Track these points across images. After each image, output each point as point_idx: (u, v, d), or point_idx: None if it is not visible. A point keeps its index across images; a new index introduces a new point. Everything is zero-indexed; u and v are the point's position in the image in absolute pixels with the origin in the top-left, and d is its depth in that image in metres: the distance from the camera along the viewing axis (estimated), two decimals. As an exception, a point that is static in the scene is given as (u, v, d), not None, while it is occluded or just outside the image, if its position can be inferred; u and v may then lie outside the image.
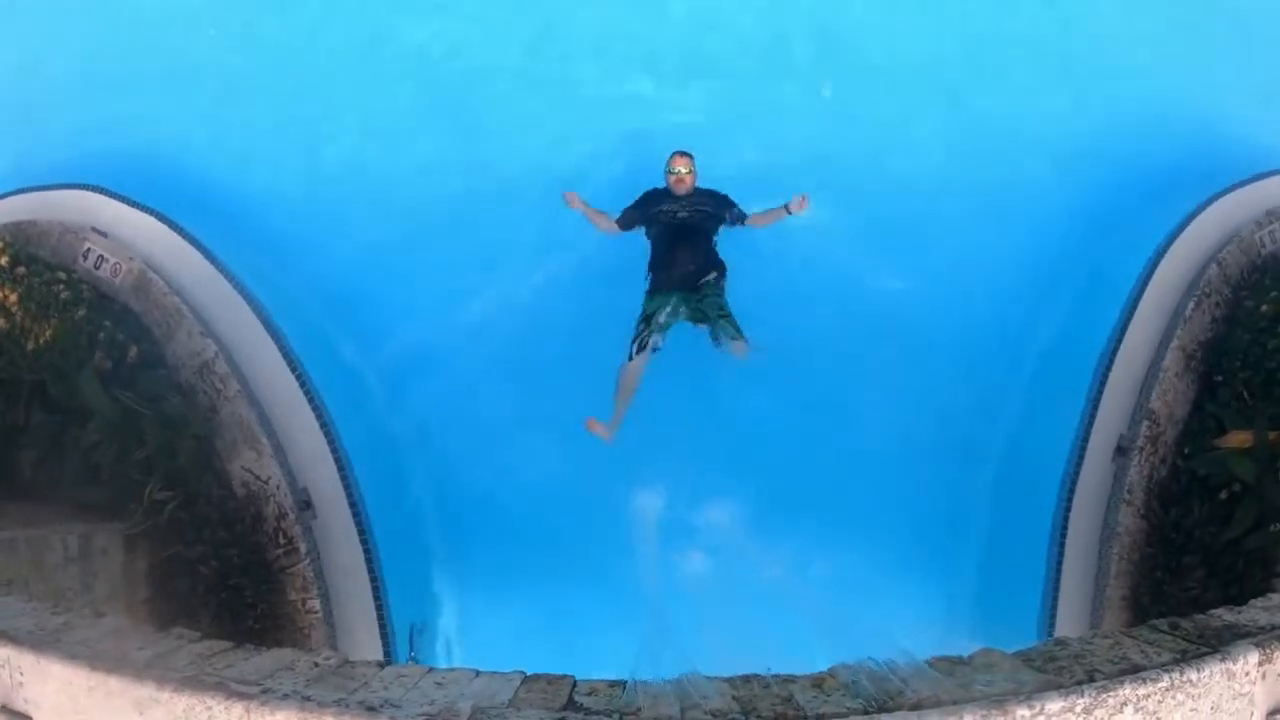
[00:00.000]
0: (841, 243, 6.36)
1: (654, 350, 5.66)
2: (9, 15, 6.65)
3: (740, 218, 6.00)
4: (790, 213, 5.89)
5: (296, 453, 5.36)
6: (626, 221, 6.04)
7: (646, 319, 5.71)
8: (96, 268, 5.46)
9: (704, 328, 5.85)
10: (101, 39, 6.54)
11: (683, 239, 5.85)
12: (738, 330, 5.67)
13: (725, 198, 6.05)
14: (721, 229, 6.02)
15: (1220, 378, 5.16)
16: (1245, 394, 4.99)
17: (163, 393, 5.07)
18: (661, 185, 6.04)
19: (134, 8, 6.62)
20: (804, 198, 5.84)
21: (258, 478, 5.15)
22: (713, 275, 5.81)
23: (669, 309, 5.71)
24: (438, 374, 6.24)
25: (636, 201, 6.07)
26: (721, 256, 5.94)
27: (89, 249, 5.48)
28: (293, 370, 5.49)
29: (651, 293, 5.84)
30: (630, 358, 5.63)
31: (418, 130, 6.53)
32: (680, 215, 5.91)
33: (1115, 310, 5.68)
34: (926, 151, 6.48)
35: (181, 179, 6.16)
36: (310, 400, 5.46)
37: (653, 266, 5.93)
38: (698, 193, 6.00)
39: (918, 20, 6.76)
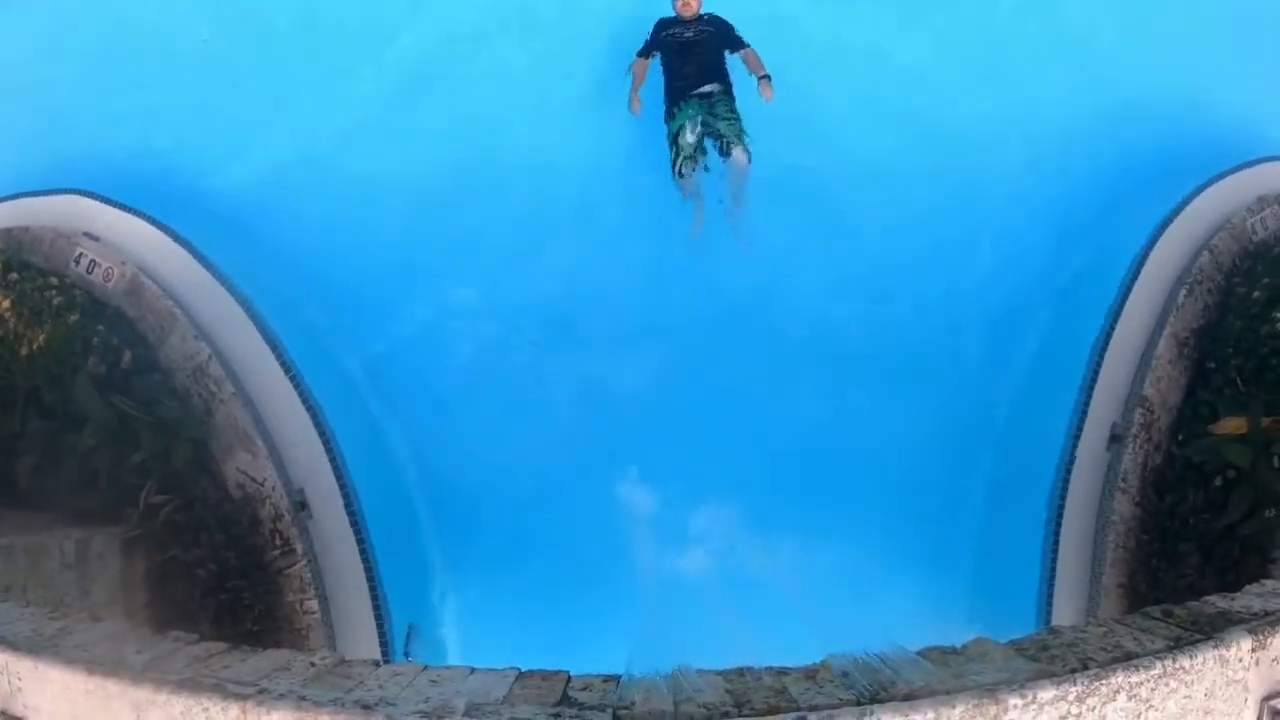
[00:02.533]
0: (834, 233, 6.36)
1: (704, 167, 6.23)
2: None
3: (740, 44, 6.44)
4: (760, 86, 6.23)
5: (292, 454, 5.36)
6: (646, 51, 6.50)
7: (673, 141, 6.24)
8: (89, 272, 5.45)
9: (716, 141, 6.27)
10: (92, 43, 6.53)
11: (689, 55, 6.38)
12: (743, 134, 6.18)
13: (728, 23, 6.50)
14: (725, 53, 6.45)
15: (1213, 364, 5.17)
16: (1238, 380, 5.00)
17: (157, 397, 5.07)
18: (669, 14, 6.54)
19: (125, 12, 6.59)
20: (769, 90, 6.20)
21: (253, 480, 5.15)
22: (718, 85, 6.33)
23: (688, 124, 6.18)
24: (433, 373, 6.25)
25: (649, 33, 6.51)
26: (728, 72, 6.40)
27: (81, 254, 5.47)
28: (287, 372, 5.49)
29: (671, 111, 6.33)
30: (679, 181, 6.25)
31: (410, 129, 6.52)
32: (686, 35, 6.43)
33: (1108, 298, 5.68)
34: (919, 140, 6.48)
35: (173, 182, 6.15)
36: (305, 401, 5.46)
37: (667, 90, 6.42)
38: (702, 17, 6.51)
39: (915, 7, 6.76)
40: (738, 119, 6.24)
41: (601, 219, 6.43)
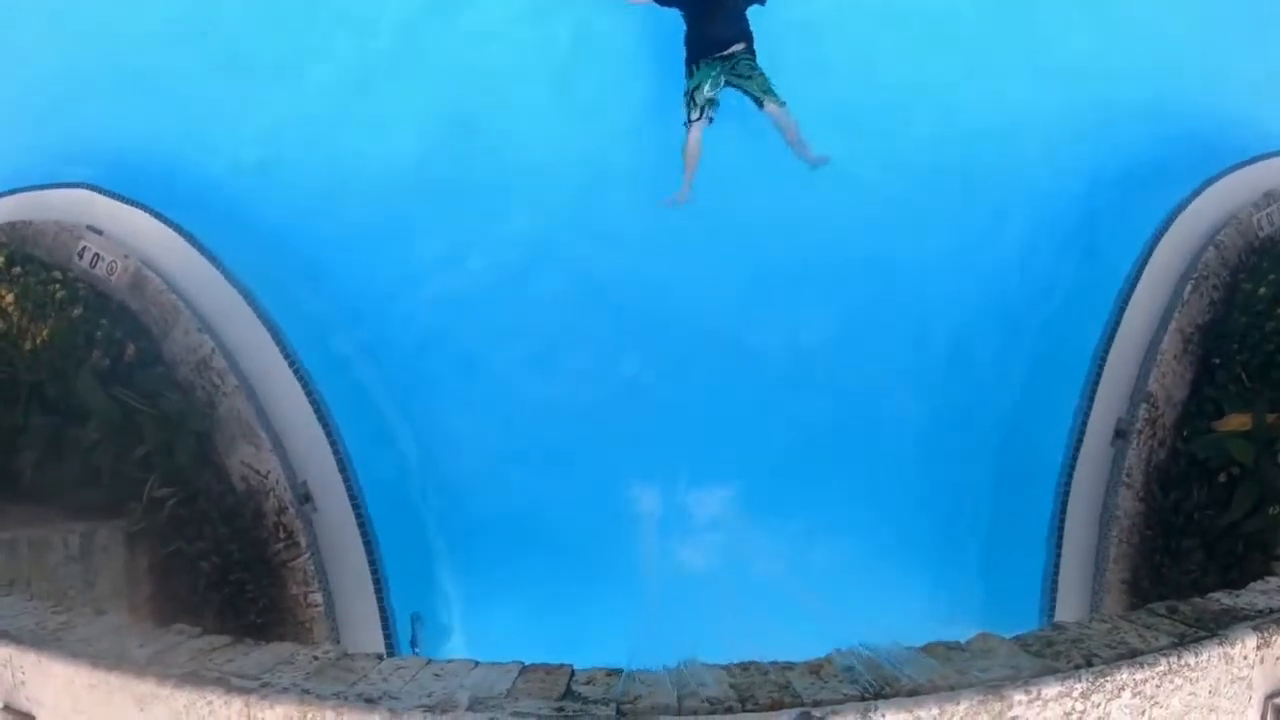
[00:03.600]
0: (837, 228, 6.35)
1: (709, 122, 6.28)
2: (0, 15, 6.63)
3: None
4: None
5: (295, 446, 5.36)
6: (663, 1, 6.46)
7: (691, 95, 6.26)
8: (92, 266, 5.45)
9: (745, 96, 6.33)
10: (93, 37, 6.52)
11: (711, 12, 6.34)
12: (770, 88, 6.23)
13: None
14: (747, 7, 6.43)
15: (1218, 360, 5.16)
16: (1243, 377, 4.99)
17: (161, 390, 5.07)
18: None
19: (127, 5, 6.59)
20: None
21: (257, 472, 5.15)
22: (741, 45, 6.32)
23: (709, 82, 6.23)
24: (436, 364, 6.25)
25: None
26: (750, 28, 6.40)
27: (84, 247, 5.47)
28: (290, 364, 5.49)
29: (690, 68, 6.34)
30: (688, 131, 6.27)
31: (411, 118, 6.51)
32: None
33: (1113, 293, 5.67)
34: (923, 135, 6.46)
35: (176, 175, 6.16)
36: (308, 393, 5.46)
37: (687, 43, 6.40)
38: None
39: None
40: (762, 74, 6.28)
41: (607, 208, 6.41)
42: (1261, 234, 5.59)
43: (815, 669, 2.47)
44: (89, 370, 4.92)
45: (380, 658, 2.68)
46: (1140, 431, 5.14)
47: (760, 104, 6.26)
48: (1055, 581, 5.36)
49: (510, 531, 5.98)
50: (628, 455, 5.87)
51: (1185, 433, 5.11)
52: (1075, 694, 2.29)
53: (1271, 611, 2.64)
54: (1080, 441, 5.42)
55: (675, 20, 6.50)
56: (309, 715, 2.32)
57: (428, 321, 6.27)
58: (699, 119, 6.23)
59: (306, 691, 2.39)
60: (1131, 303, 5.50)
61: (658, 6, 6.44)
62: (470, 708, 2.31)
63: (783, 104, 6.21)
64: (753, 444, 5.97)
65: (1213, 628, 2.54)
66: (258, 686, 2.41)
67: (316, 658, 2.65)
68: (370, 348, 6.23)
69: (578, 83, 6.60)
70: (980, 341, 6.20)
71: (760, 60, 6.32)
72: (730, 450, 5.93)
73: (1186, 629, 2.56)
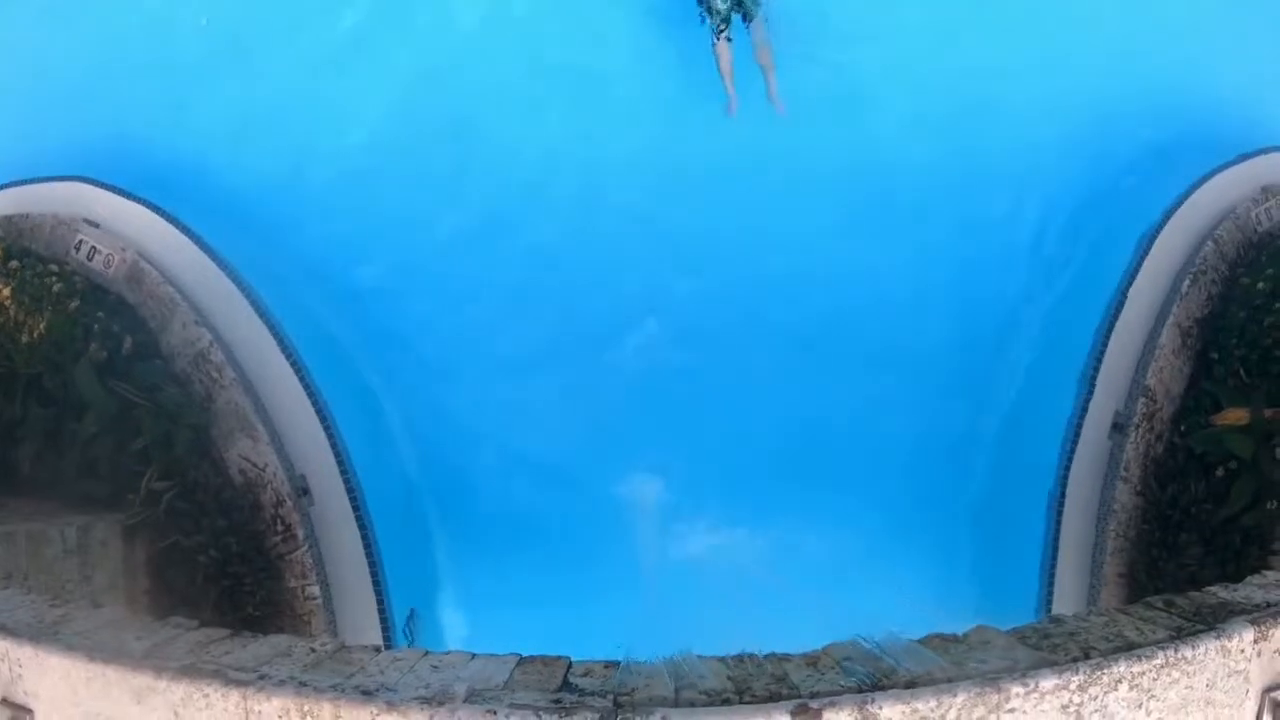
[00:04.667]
0: (837, 221, 6.35)
1: (729, 41, 6.62)
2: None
3: None
4: None
5: (293, 439, 5.37)
6: None
7: (708, 8, 6.63)
8: (89, 259, 5.44)
9: (739, 16, 6.65)
10: (93, 30, 6.50)
11: None
12: (758, 6, 6.57)
13: None
14: None
15: (1216, 355, 5.16)
16: (1241, 371, 4.99)
17: (158, 383, 5.07)
18: None
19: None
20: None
21: (255, 465, 5.15)
22: None
23: None
24: (434, 358, 6.25)
25: None
26: None
27: (81, 240, 5.46)
28: (288, 357, 5.50)
29: None
30: (715, 44, 6.63)
31: (409, 111, 6.49)
32: None
33: (1112, 287, 5.67)
34: (923, 130, 6.45)
35: (173, 169, 6.14)
36: (306, 387, 5.47)
37: None
38: None
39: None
40: None
41: (608, 201, 6.40)
42: (1260, 229, 5.59)
43: (812, 661, 2.47)
44: (87, 363, 4.92)
45: (378, 650, 2.68)
46: (1138, 425, 5.15)
47: (748, 20, 6.57)
48: (1053, 574, 5.38)
49: (508, 523, 5.99)
50: (626, 449, 5.88)
51: (1183, 427, 5.12)
52: (1072, 686, 2.29)
53: (1269, 605, 2.65)
54: (1078, 435, 5.43)
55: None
56: (306, 707, 2.32)
57: (426, 314, 6.27)
58: (723, 31, 6.54)
59: (303, 684, 2.39)
60: (1130, 297, 5.50)
61: None
62: (468, 699, 2.31)
63: (765, 24, 6.52)
64: (750, 438, 5.97)
65: (1210, 621, 2.55)
66: (255, 679, 2.41)
67: (314, 650, 2.66)
68: (368, 340, 6.22)
69: (574, 86, 6.58)
70: (979, 335, 6.20)
71: (773, 36, 6.59)
72: (727, 444, 5.94)
73: (1184, 622, 2.57)
